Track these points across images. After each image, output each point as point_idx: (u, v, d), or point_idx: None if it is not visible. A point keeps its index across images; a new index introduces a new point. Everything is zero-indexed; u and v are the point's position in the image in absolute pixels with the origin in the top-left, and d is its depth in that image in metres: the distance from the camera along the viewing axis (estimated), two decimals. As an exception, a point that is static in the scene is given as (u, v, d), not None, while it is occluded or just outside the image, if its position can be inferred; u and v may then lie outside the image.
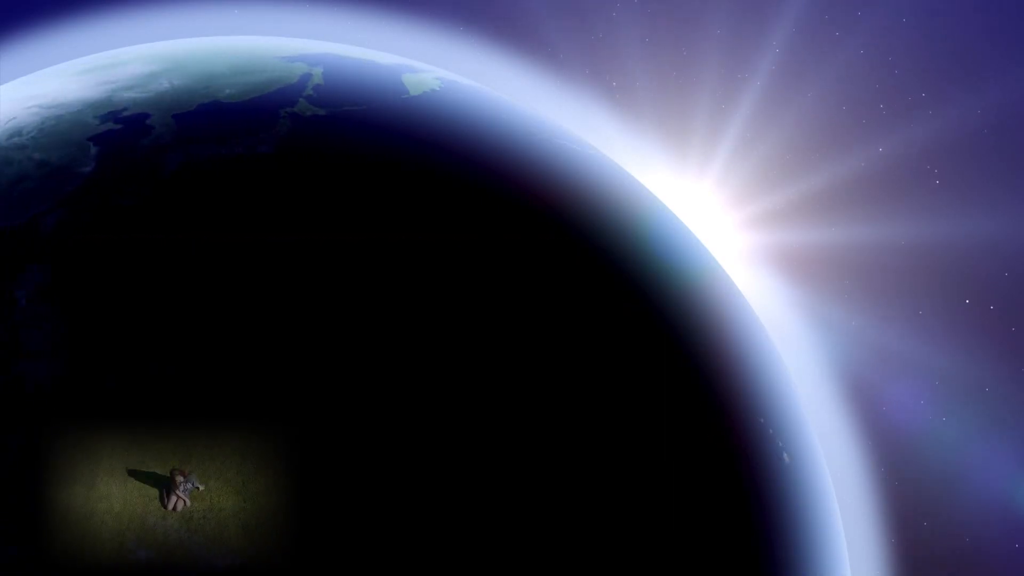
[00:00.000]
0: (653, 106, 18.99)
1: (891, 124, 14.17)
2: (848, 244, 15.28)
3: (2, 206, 9.23)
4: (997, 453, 12.65)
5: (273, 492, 10.71)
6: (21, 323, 9.10)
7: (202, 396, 11.38)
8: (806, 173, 15.88)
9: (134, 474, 10.37)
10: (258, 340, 9.89)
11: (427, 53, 19.23)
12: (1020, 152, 12.11)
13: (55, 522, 9.62)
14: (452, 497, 8.79)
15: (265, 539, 9.98)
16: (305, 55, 16.99)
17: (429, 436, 9.30)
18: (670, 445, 9.35)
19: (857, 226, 14.96)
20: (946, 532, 13.26)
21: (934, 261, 13.56)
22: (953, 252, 13.00)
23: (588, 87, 19.81)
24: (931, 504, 13.58)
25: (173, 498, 9.87)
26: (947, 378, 13.44)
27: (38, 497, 9.91)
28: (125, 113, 12.27)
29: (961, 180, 13.01)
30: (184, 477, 9.96)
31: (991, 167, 12.57)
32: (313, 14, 20.39)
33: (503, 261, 10.64)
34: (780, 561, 10.40)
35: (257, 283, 9.77)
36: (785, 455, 13.12)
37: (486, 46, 19.97)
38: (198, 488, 9.97)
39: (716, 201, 18.48)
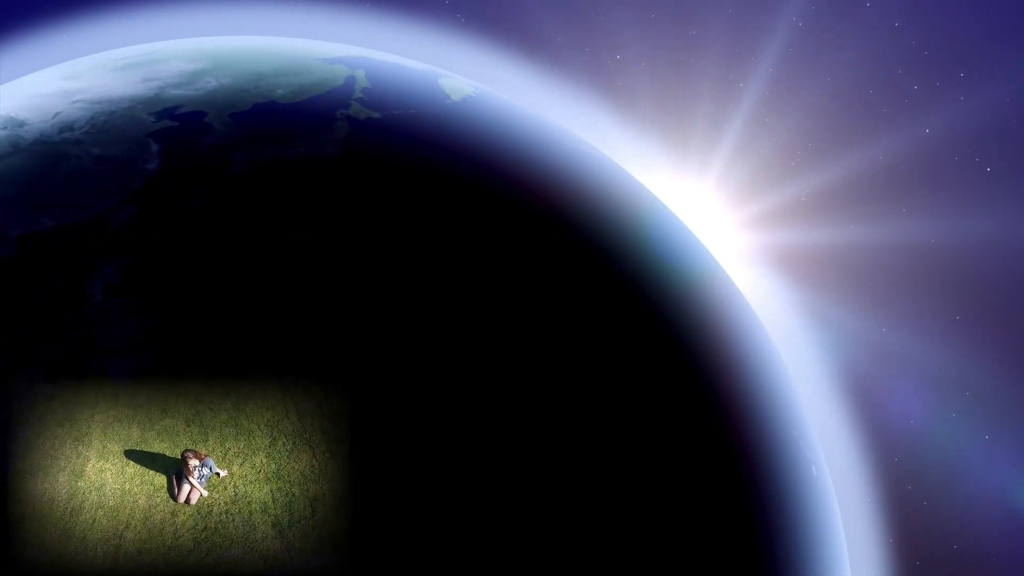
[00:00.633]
0: (653, 107, 19.05)
1: (891, 124, 13.96)
2: (848, 244, 15.10)
3: (63, 199, 9.14)
4: (997, 453, 12.30)
5: (315, 480, 9.43)
6: (95, 319, 8.91)
7: (227, 360, 10.15)
8: (806, 173, 15.78)
9: (134, 456, 9.06)
10: (317, 327, 9.76)
11: (427, 53, 19.51)
12: (1020, 152, 11.83)
13: (30, 520, 8.30)
14: (457, 496, 8.83)
15: (303, 541, 8.76)
16: (342, 58, 17.24)
17: (442, 428, 9.33)
18: (670, 445, 9.29)
19: (857, 226, 14.81)
20: (946, 532, 12.87)
21: (934, 261, 13.38)
22: (953, 252, 12.81)
23: (588, 87, 19.85)
24: (931, 504, 13.27)
25: (185, 487, 8.71)
26: (947, 378, 13.16)
27: (6, 487, 8.56)
28: (180, 111, 12.28)
29: (961, 180, 12.74)
30: (200, 461, 8.74)
31: (991, 167, 12.22)
32: (312, 14, 20.68)
33: (508, 260, 10.70)
34: (780, 561, 10.27)
35: (326, 282, 9.82)
36: (813, 467, 13.00)
37: (486, 46, 20.02)
38: (217, 475, 8.83)
39: (716, 201, 18.43)
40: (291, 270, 9.81)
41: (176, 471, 8.75)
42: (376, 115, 14.12)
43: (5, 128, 10.97)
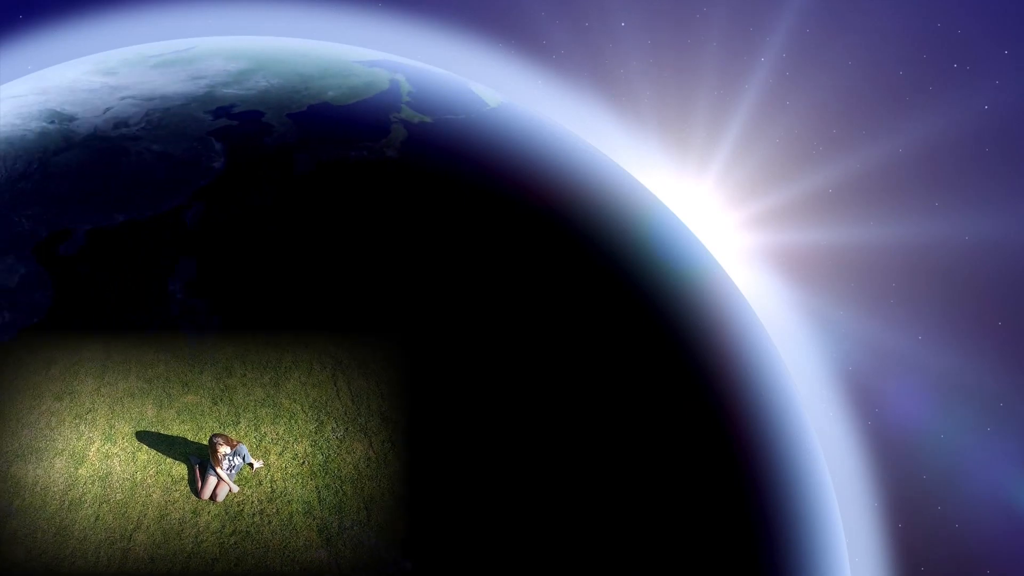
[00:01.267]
0: (653, 106, 19.26)
1: (891, 124, 14.07)
2: (848, 244, 15.24)
3: (127, 195, 9.16)
4: (997, 453, 12.43)
5: (371, 476, 8.31)
6: (179, 317, 8.64)
7: (266, 321, 9.28)
8: (806, 173, 15.84)
9: (148, 440, 8.00)
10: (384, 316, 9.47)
11: (428, 53, 19.64)
12: (1020, 152, 12.04)
13: (18, 515, 7.24)
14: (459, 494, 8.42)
15: (355, 552, 7.58)
16: (379, 61, 17.60)
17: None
18: (670, 445, 9.25)
19: (857, 226, 14.93)
20: (946, 532, 13.06)
21: (934, 261, 13.51)
22: (953, 252, 12.98)
23: (588, 87, 20.06)
24: (931, 504, 13.37)
25: (211, 480, 7.68)
26: (947, 378, 13.29)
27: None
28: (236, 110, 12.47)
29: (961, 180, 12.97)
30: (230, 448, 7.62)
31: (991, 167, 12.47)
32: (311, 13, 20.97)
33: (509, 260, 10.75)
34: (780, 561, 10.38)
35: (398, 285, 9.76)
36: (813, 467, 13.16)
37: (486, 46, 20.10)
38: (251, 466, 7.82)
39: (716, 201, 18.51)
40: (356, 265, 9.82)
41: (200, 460, 7.71)
42: (428, 119, 14.34)
43: (53, 122, 11.02)
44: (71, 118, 11.30)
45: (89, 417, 8.02)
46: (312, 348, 9.12)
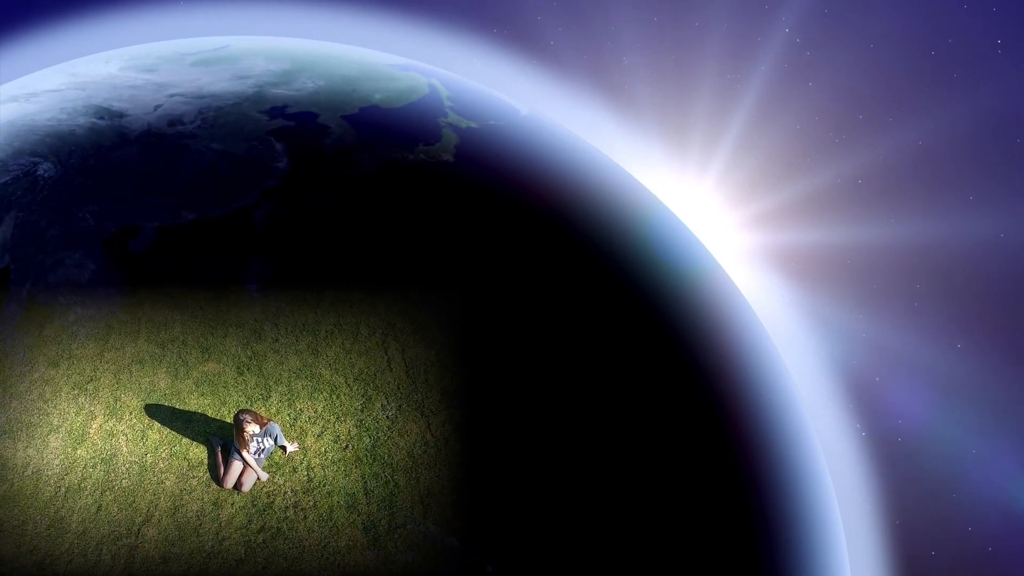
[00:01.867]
0: (653, 106, 19.59)
1: (891, 124, 14.46)
2: (848, 244, 15.48)
3: (193, 193, 9.13)
4: (997, 453, 12.83)
5: (429, 464, 7.26)
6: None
7: (303, 274, 8.74)
8: (806, 173, 16.08)
9: (161, 415, 7.05)
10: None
11: (427, 53, 20.15)
12: (1020, 152, 12.12)
13: (5, 503, 6.37)
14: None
15: (409, 553, 6.60)
16: (409, 65, 18.32)
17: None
18: (669, 445, 9.17)
19: (857, 226, 15.20)
20: (946, 532, 13.41)
21: (934, 261, 13.79)
22: (953, 252, 13.22)
23: (588, 87, 20.39)
24: (931, 504, 13.87)
25: (236, 466, 6.72)
26: (947, 378, 13.71)
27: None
28: (290, 111, 12.73)
29: (961, 180, 13.10)
30: (260, 428, 6.65)
31: (991, 167, 12.64)
32: (307, 12, 20.84)
33: (506, 260, 10.78)
34: (780, 561, 10.25)
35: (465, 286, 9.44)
36: (813, 467, 13.60)
37: (486, 46, 20.28)
38: (283, 449, 6.96)
39: (716, 201, 18.74)
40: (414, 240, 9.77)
41: (223, 441, 6.87)
42: (473, 125, 14.69)
43: (102, 118, 11.05)
44: (121, 114, 11.30)
45: (90, 387, 7.18)
46: (359, 308, 8.46)
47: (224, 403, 7.26)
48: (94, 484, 6.50)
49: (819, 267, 16.41)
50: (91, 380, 7.27)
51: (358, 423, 7.39)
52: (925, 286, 13.86)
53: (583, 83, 20.13)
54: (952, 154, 13.09)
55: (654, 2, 18.21)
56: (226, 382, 7.45)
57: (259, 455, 6.68)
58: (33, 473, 6.48)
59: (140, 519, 6.34)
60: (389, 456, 7.20)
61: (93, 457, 6.67)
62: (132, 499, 6.44)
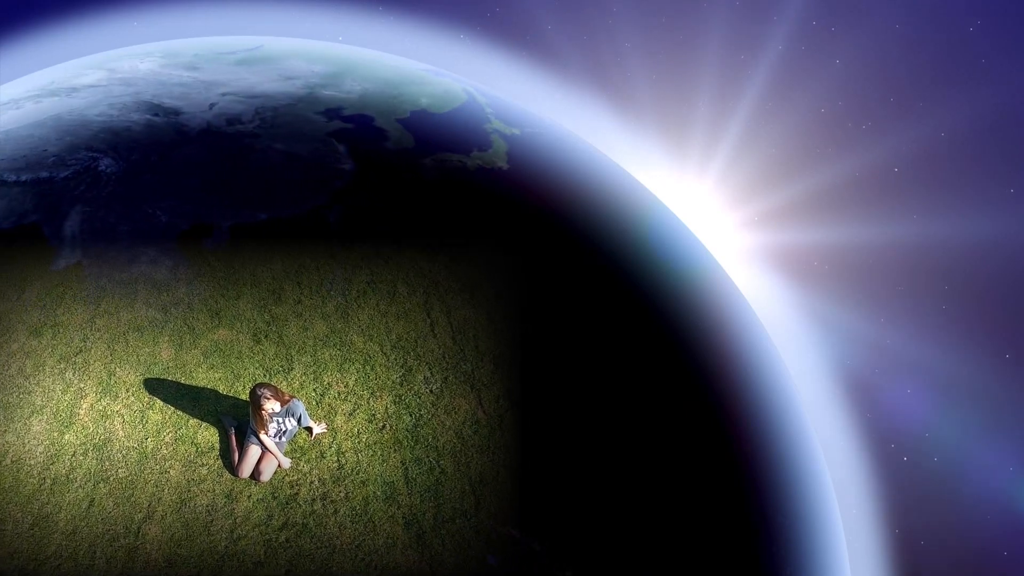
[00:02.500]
0: (653, 106, 20.08)
1: (891, 124, 14.85)
2: (848, 244, 15.91)
3: (263, 193, 9.18)
4: (997, 453, 12.93)
5: (481, 447, 6.46)
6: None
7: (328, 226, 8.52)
8: (806, 173, 16.48)
9: (163, 392, 6.23)
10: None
11: (427, 53, 20.17)
12: (1020, 152, 12.37)
13: None
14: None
15: (459, 554, 5.79)
16: (439, 71, 18.50)
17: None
18: (669, 445, 9.02)
19: (857, 226, 15.59)
20: (946, 532, 13.53)
21: (934, 261, 14.15)
22: (953, 252, 13.46)
23: (588, 87, 20.83)
24: (931, 504, 13.93)
25: (252, 451, 5.88)
26: (947, 378, 13.91)
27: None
28: (344, 113, 12.91)
29: (961, 180, 13.38)
30: (281, 405, 5.80)
31: (991, 167, 12.87)
32: (305, 11, 20.91)
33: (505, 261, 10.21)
34: (780, 561, 10.23)
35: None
36: (813, 467, 13.59)
37: (487, 46, 20.62)
38: (308, 431, 6.15)
39: (716, 201, 19.21)
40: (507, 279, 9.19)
41: (237, 422, 6.04)
42: (516, 131, 14.90)
43: (157, 115, 11.13)
44: (176, 112, 11.36)
45: (79, 360, 6.30)
46: (396, 263, 7.67)
47: (238, 377, 6.36)
48: (85, 475, 5.67)
49: (819, 267, 16.58)
50: (80, 352, 6.39)
51: (396, 399, 6.53)
52: (925, 286, 14.05)
53: (582, 83, 20.46)
54: (952, 154, 13.30)
55: (654, 1, 18.76)
56: (240, 352, 6.57)
57: (280, 438, 5.81)
58: (13, 463, 5.65)
59: (140, 515, 5.52)
60: (434, 438, 6.35)
61: (84, 443, 5.83)
62: (130, 492, 5.61)
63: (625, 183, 16.92)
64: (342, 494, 5.83)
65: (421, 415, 6.47)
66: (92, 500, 5.54)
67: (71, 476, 5.64)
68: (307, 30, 19.68)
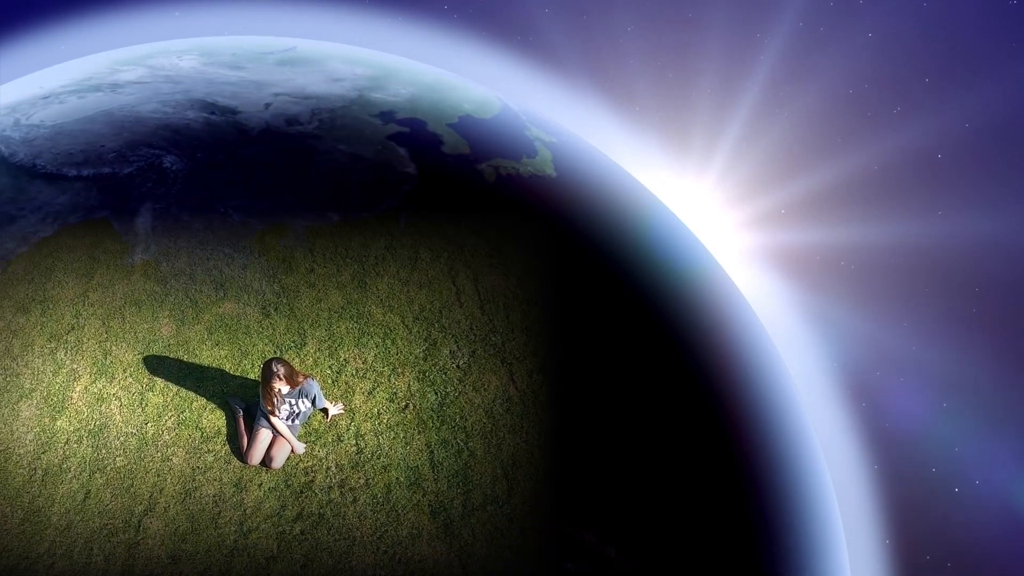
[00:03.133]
0: (653, 106, 20.47)
1: (891, 124, 14.97)
2: (848, 244, 16.19)
3: (333, 194, 9.14)
4: (997, 453, 13.07)
5: (514, 428, 6.05)
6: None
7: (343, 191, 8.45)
8: (806, 173, 16.73)
9: (164, 372, 5.82)
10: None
11: (426, 53, 19.98)
12: (1020, 152, 12.81)
13: None
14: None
15: (491, 545, 5.43)
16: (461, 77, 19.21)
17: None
18: (669, 445, 8.88)
19: (857, 226, 15.98)
20: (946, 532, 13.59)
21: (934, 261, 14.25)
22: (953, 252, 13.74)
23: (588, 87, 21.06)
24: (931, 504, 13.99)
25: (263, 436, 5.45)
26: (947, 378, 14.02)
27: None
28: (399, 116, 13.05)
29: (961, 180, 13.73)
30: (294, 384, 5.34)
31: (991, 167, 13.29)
32: (301, 10, 20.47)
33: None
34: (780, 561, 10.21)
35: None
36: (813, 467, 13.69)
37: (486, 46, 20.73)
38: (324, 412, 5.70)
39: (716, 201, 19.53)
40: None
41: (246, 404, 5.60)
42: (554, 139, 15.01)
43: (214, 114, 11.16)
44: (233, 111, 11.39)
45: (71, 339, 5.88)
46: (417, 228, 7.33)
47: (246, 354, 5.92)
48: (80, 464, 5.27)
49: (819, 267, 16.66)
50: (72, 329, 5.98)
51: (420, 375, 6.12)
52: (924, 286, 14.08)
53: (582, 81, 20.27)
54: (952, 154, 13.28)
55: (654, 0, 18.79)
56: (248, 327, 6.16)
57: (293, 421, 5.37)
58: (0, 453, 5.28)
59: (141, 508, 5.14)
60: (461, 417, 5.94)
61: (78, 429, 5.43)
62: (130, 482, 5.21)
63: (624, 183, 16.88)
64: (362, 481, 5.43)
65: (447, 393, 6.11)
66: (88, 492, 5.18)
67: (64, 466, 5.26)
68: (304, 30, 19.43)
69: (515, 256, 7.48)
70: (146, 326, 5.98)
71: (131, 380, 5.65)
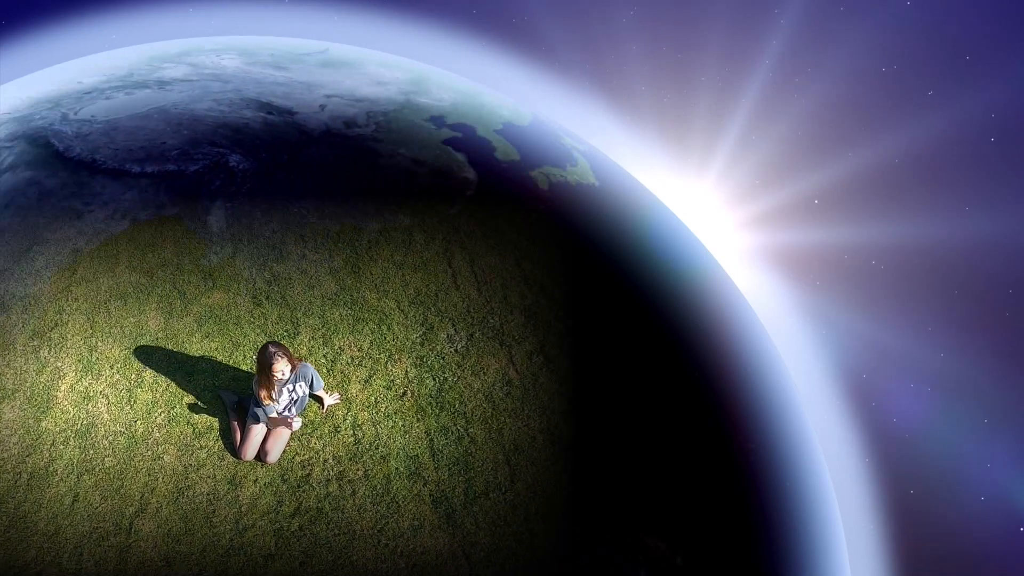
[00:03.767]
0: (653, 106, 20.56)
1: (891, 124, 14.99)
2: (848, 244, 16.19)
3: (402, 197, 8.90)
4: (996, 453, 13.07)
5: (515, 413, 5.85)
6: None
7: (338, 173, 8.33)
8: (806, 173, 16.76)
9: (154, 364, 5.58)
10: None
11: (426, 53, 19.92)
12: (1020, 152, 12.69)
13: None
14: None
15: (495, 535, 5.25)
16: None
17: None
18: (669, 445, 8.81)
19: (857, 226, 15.98)
20: (946, 532, 13.60)
21: (934, 261, 14.24)
22: (953, 252, 13.79)
23: (588, 87, 21.28)
24: (931, 504, 14.06)
25: (256, 430, 5.20)
26: (947, 378, 14.02)
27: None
28: (449, 121, 13.25)
29: (961, 180, 13.70)
30: (290, 370, 5.02)
31: (991, 167, 13.21)
32: (300, 10, 20.50)
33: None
34: (780, 562, 10.12)
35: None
36: (813, 467, 13.65)
37: (486, 46, 20.91)
38: (318, 401, 5.48)
39: (716, 201, 19.64)
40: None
41: (238, 397, 5.35)
42: (582, 148, 15.18)
43: (271, 114, 11.22)
44: (289, 111, 11.45)
45: (55, 335, 5.63)
46: (410, 210, 7.10)
47: (237, 345, 5.68)
48: (67, 466, 5.03)
49: (819, 267, 16.66)
50: (56, 326, 5.72)
51: (417, 361, 5.90)
52: (925, 286, 14.08)
53: (582, 80, 20.29)
54: (953, 153, 13.27)
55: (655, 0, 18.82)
56: (238, 317, 5.92)
57: (290, 409, 5.09)
58: None
59: (132, 509, 4.91)
60: (461, 403, 5.72)
61: (64, 429, 5.19)
62: (120, 483, 4.98)
63: (624, 182, 16.72)
64: (360, 472, 5.22)
65: (445, 378, 5.90)
66: (76, 495, 4.96)
67: (51, 469, 5.03)
68: (299, 30, 19.16)
69: (511, 236, 7.29)
70: (133, 320, 5.73)
71: (118, 377, 5.41)
